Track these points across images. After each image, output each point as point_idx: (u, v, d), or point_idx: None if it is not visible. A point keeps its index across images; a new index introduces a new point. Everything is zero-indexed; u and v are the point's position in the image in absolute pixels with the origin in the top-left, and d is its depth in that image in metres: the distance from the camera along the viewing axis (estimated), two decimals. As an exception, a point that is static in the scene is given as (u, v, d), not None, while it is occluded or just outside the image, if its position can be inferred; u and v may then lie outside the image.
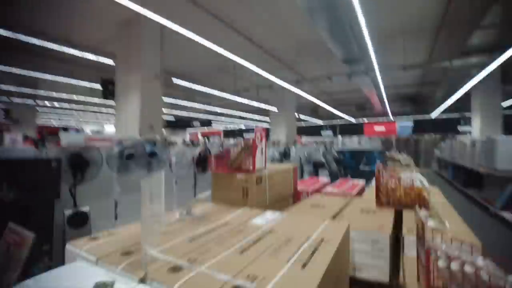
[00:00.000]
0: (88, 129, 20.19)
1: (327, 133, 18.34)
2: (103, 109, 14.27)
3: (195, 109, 15.30)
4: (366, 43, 5.05)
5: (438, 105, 12.81)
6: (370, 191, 2.16)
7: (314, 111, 16.76)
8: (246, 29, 5.90)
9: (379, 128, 18.00)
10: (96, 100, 10.47)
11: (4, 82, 8.11)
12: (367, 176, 4.07)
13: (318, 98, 11.46)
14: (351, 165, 6.17)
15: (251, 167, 2.04)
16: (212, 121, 17.38)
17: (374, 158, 5.81)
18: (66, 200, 2.53)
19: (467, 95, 9.27)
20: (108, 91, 5.66)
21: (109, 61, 6.54)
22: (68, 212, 2.38)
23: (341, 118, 17.35)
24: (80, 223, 2.44)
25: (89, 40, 5.70)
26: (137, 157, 2.80)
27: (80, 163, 2.38)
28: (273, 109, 10.81)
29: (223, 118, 19.19)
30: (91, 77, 8.15)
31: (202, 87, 7.32)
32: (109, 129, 19.89)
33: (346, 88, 12.41)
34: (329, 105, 13.14)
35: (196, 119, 15.16)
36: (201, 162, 3.76)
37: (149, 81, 5.18)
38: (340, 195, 2.07)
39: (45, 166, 2.01)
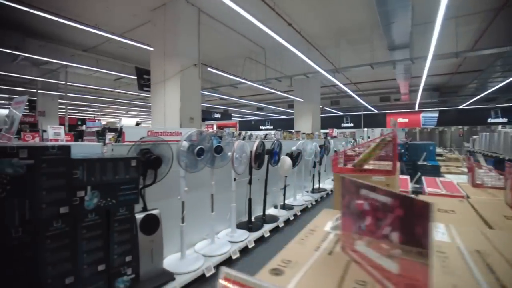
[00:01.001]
0: (103, 122, 20.09)
1: (348, 124, 17.82)
2: (124, 101, 14.11)
3: (214, 101, 14.99)
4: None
5: (469, 96, 12.16)
6: (477, 192, 1.88)
7: (335, 102, 16.24)
8: (287, 13, 5.49)
9: (402, 119, 17.39)
10: (120, 90, 10.26)
11: (28, 72, 7.93)
12: (429, 172, 3.69)
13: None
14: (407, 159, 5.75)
15: (390, 168, 1.71)
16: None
17: (433, 152, 5.41)
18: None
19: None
20: (144, 81, 5.37)
21: (137, 51, 6.25)
22: (139, 216, 2.11)
23: (365, 109, 16.77)
24: (152, 228, 2.18)
25: (124, 27, 5.40)
26: (207, 152, 2.51)
27: (152, 160, 2.09)
28: (299, 99, 10.39)
29: (240, 110, 18.84)
30: (116, 68, 7.89)
31: (235, 76, 6.96)
32: (126, 122, 19.79)
33: (372, 78, 11.89)
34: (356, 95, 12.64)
35: (214, 111, 14.87)
36: (258, 158, 3.45)
37: (188, 69, 4.87)
38: (456, 196, 1.78)
39: (124, 165, 1.72)
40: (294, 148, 4.67)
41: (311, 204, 5.14)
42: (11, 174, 1.27)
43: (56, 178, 1.43)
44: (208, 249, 2.88)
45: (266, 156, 3.75)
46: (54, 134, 3.56)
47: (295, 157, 4.45)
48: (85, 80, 9.44)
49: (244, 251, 3.12)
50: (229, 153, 2.89)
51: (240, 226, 3.46)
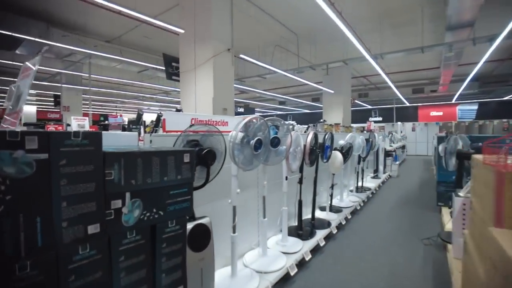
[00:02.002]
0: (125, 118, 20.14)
1: (376, 118, 16.80)
2: (147, 95, 13.91)
3: (236, 94, 14.51)
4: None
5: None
6: None
7: (364, 94, 15.32)
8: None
9: (436, 113, 16.20)
10: (143, 83, 9.96)
11: (52, 65, 7.72)
12: None
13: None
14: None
15: None
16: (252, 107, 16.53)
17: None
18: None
19: None
20: (172, 69, 4.93)
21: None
22: (187, 227, 1.61)
23: (397, 101, 15.72)
24: (202, 242, 1.68)
25: (149, 12, 4.95)
26: (264, 145, 1.97)
27: (204, 155, 1.58)
28: (329, 90, 9.69)
29: (262, 104, 18.29)
30: (139, 59, 7.53)
31: (267, 65, 6.39)
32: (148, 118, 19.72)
33: (407, 67, 10.96)
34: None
35: (238, 105, 14.37)
36: (312, 153, 2.89)
37: (221, 55, 4.36)
38: None
39: (174, 162, 1.22)
40: (342, 142, 4.07)
41: (359, 205, 4.52)
42: (12, 175, 0.79)
43: (82, 181, 0.94)
44: (260, 263, 2.36)
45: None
46: (78, 126, 3.15)
47: (346, 152, 3.85)
48: (108, 73, 9.18)
49: (300, 264, 2.58)
50: (284, 147, 2.34)
51: (288, 232, 2.92)
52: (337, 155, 3.55)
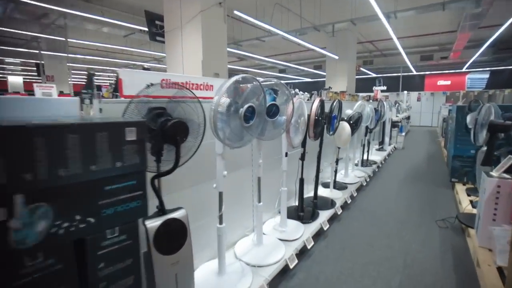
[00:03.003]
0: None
1: (381, 88, 16.05)
2: (138, 63, 13.08)
3: (233, 62, 13.70)
4: None
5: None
6: None
7: (369, 62, 14.47)
8: None
9: (443, 82, 15.44)
10: (132, 48, 9.17)
11: (29, 29, 6.96)
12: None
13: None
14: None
15: None
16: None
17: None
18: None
19: None
20: (156, 29, 4.30)
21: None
22: (152, 225, 1.23)
23: (404, 70, 14.93)
24: (175, 242, 1.30)
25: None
26: (258, 115, 1.52)
27: (170, 128, 1.13)
28: (333, 56, 8.98)
29: (262, 72, 17.44)
30: (123, 20, 6.76)
31: (266, 24, 5.67)
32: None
33: (418, 31, 10.11)
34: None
35: (235, 73, 13.59)
36: (318, 124, 2.44)
37: (210, 9, 3.72)
38: None
39: (110, 141, 0.77)
40: (350, 111, 3.59)
41: (365, 181, 4.16)
42: None
43: None
44: (254, 254, 2.01)
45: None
46: (43, 95, 2.66)
47: (354, 123, 3.39)
48: (93, 37, 8.39)
49: (301, 252, 2.25)
50: (284, 117, 1.89)
51: (287, 213, 2.55)
52: (345, 127, 3.10)
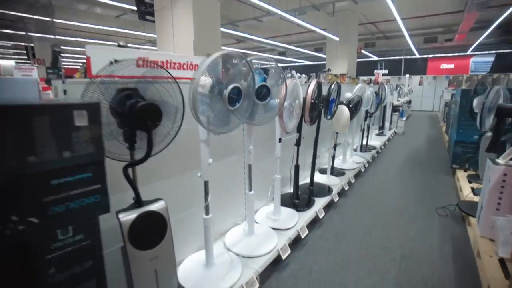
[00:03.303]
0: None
1: (382, 71, 15.70)
2: (132, 46, 12.70)
3: (229, 44, 13.31)
4: None
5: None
6: None
7: (371, 44, 14.07)
8: None
9: (446, 65, 15.09)
10: (128, 31, 8.84)
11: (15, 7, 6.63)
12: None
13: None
14: None
15: None
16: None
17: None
18: (116, 191, 1.27)
19: None
20: (145, 7, 4.05)
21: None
22: (127, 217, 1.12)
23: (407, 52, 14.53)
24: (154, 236, 1.20)
25: None
26: (246, 97, 1.38)
27: (139, 112, 1.00)
28: (334, 37, 8.68)
29: (260, 54, 17.00)
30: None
31: (263, 2, 5.36)
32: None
33: (422, 12, 9.74)
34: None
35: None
36: (314, 108, 2.30)
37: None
38: None
39: (50, 125, 0.63)
40: (350, 94, 3.43)
41: (364, 167, 4.05)
42: None
43: None
44: (245, 244, 1.93)
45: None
46: (22, 77, 2.50)
47: (354, 107, 3.24)
48: (85, 18, 8.03)
49: (295, 241, 2.16)
50: (276, 100, 1.74)
51: (282, 201, 2.45)
52: (344, 111, 2.95)
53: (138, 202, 1.18)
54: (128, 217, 1.12)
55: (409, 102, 11.93)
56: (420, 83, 15.69)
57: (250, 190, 1.94)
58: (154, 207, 1.20)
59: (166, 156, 1.54)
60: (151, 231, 1.19)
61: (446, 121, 7.39)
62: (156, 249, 1.21)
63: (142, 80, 1.04)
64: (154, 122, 1.03)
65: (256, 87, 1.49)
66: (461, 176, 3.44)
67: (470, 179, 3.29)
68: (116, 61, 1.00)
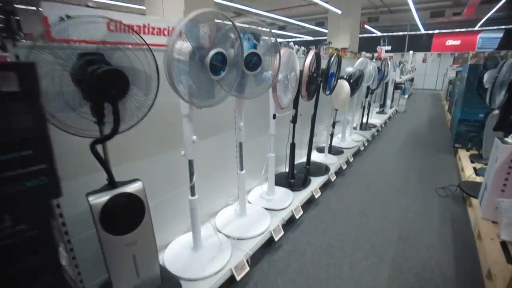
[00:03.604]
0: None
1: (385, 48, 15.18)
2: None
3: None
4: None
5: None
6: None
7: (375, 18, 13.47)
8: None
9: (452, 42, 14.56)
10: (119, 3, 8.36)
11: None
12: None
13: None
14: None
15: None
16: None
17: None
18: (87, 171, 1.15)
19: None
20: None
21: None
22: (97, 200, 1.00)
23: (411, 28, 13.98)
24: (130, 220, 1.09)
25: None
26: (231, 65, 1.22)
27: (100, 78, 0.85)
28: (336, 10, 8.27)
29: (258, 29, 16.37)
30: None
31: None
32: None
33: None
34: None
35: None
36: (312, 82, 2.13)
37: None
38: None
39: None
40: (351, 69, 3.23)
41: (363, 145, 3.93)
42: None
43: None
44: (236, 225, 1.84)
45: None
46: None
47: (354, 82, 3.06)
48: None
49: (289, 222, 2.09)
50: (269, 72, 1.58)
51: (277, 180, 2.35)
52: (344, 85, 2.78)
53: (111, 183, 1.06)
54: (99, 199, 1.01)
55: (412, 80, 11.60)
56: (424, 60, 15.21)
57: (242, 169, 1.83)
58: (129, 188, 1.08)
59: (150, 132, 1.41)
60: (127, 214, 1.08)
61: (449, 100, 7.19)
62: (134, 234, 1.10)
63: (107, 46, 0.88)
64: (121, 91, 0.88)
65: (245, 54, 1.32)
66: (463, 155, 3.33)
67: (473, 159, 3.18)
68: (68, 17, 0.84)
